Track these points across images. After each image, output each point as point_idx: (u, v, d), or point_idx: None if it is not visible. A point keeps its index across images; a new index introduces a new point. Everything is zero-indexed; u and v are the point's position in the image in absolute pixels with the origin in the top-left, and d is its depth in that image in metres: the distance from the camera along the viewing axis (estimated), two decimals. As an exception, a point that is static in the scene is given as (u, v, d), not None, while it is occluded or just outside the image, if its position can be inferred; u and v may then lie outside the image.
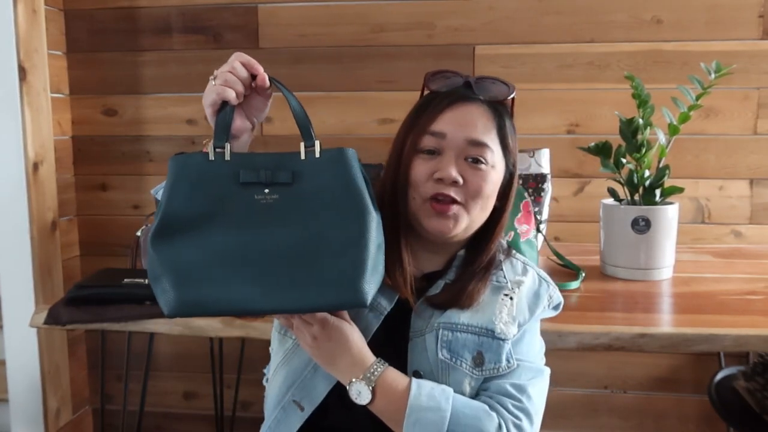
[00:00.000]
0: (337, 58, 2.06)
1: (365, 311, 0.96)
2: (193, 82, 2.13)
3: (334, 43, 2.06)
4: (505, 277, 1.02)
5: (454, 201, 0.95)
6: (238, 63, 0.88)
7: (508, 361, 0.96)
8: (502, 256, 1.05)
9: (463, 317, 0.96)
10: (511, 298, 1.00)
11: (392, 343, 0.97)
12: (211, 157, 0.86)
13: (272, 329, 1.07)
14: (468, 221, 0.97)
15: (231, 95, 0.87)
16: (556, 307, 1.06)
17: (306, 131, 0.89)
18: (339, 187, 0.86)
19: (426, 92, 1.04)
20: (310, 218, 0.84)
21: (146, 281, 1.40)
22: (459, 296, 0.97)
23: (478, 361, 0.95)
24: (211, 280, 0.80)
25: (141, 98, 2.17)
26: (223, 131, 0.88)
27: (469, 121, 0.97)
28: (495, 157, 0.98)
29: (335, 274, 0.82)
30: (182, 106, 2.15)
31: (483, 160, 0.97)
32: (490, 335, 0.96)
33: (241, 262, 0.81)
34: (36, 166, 1.98)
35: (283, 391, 0.99)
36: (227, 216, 0.83)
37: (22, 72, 1.92)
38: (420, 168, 0.96)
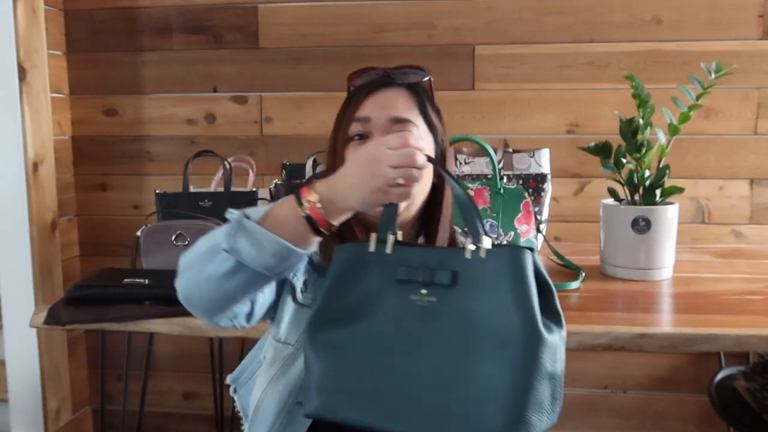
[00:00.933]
0: (337, 58, 2.06)
1: None
2: (193, 82, 2.13)
3: (334, 43, 2.06)
4: None
5: None
6: (421, 156, 0.82)
7: None
8: (463, 239, 1.08)
9: None
10: None
11: None
12: (371, 248, 0.82)
13: (267, 338, 1.06)
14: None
15: (414, 193, 0.84)
16: None
17: (473, 226, 0.79)
18: (506, 298, 0.74)
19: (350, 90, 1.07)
20: (467, 334, 0.74)
21: (146, 281, 1.41)
22: None
23: None
24: (351, 390, 0.77)
25: (141, 98, 2.17)
26: (390, 224, 0.83)
27: (390, 103, 1.00)
28: (420, 132, 1.01)
29: (487, 416, 0.71)
30: (182, 106, 2.15)
31: None
32: None
33: (385, 377, 0.76)
34: (36, 166, 1.98)
35: (284, 396, 0.99)
36: (381, 315, 0.79)
37: (22, 72, 1.92)
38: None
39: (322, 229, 0.84)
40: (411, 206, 0.99)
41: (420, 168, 0.82)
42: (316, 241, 0.86)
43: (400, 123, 1.00)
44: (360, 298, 0.80)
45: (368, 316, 0.79)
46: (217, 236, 0.86)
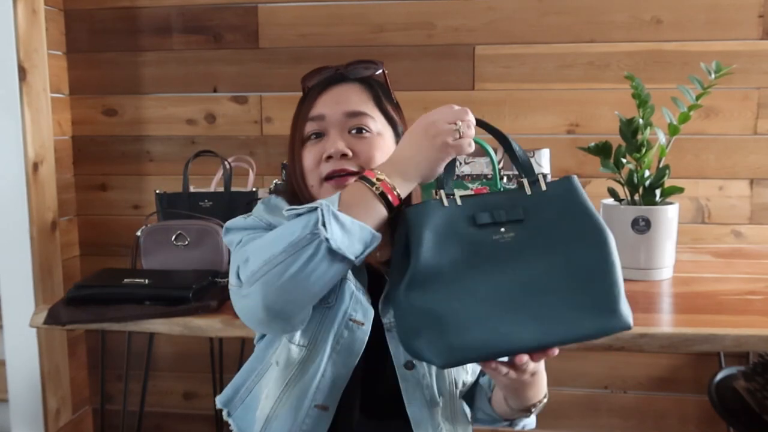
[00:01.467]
0: (337, 58, 2.04)
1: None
2: (193, 82, 2.13)
3: (334, 43, 2.06)
4: None
5: (350, 173, 0.97)
6: (469, 112, 0.90)
7: None
8: None
9: None
10: None
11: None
12: (445, 203, 0.88)
13: (281, 341, 1.03)
14: None
15: (470, 150, 0.90)
16: None
17: (529, 169, 0.91)
18: (572, 213, 0.87)
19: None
20: (552, 249, 0.85)
21: (146, 281, 1.41)
22: None
23: None
24: (473, 324, 0.82)
25: (141, 98, 2.17)
26: (452, 179, 0.90)
27: (344, 98, 1.01)
28: (378, 124, 1.01)
29: (593, 300, 0.83)
30: (182, 106, 2.15)
31: (366, 128, 1.00)
32: None
33: (499, 302, 0.82)
34: (36, 166, 1.98)
35: (302, 401, 0.98)
36: (473, 258, 0.85)
37: (22, 72, 1.92)
38: (309, 155, 1.00)
39: (394, 206, 0.87)
40: None
41: (472, 122, 0.89)
42: (383, 222, 0.88)
43: (355, 116, 1.00)
44: (451, 248, 0.85)
45: (463, 262, 0.85)
46: (292, 233, 0.84)
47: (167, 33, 2.12)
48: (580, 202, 0.88)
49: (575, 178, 0.90)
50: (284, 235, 0.85)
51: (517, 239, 0.86)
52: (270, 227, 0.95)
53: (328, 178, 0.98)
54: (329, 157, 0.98)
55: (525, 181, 0.90)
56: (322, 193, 0.99)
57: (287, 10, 2.07)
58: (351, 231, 0.84)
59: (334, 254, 0.83)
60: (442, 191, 0.89)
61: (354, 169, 0.97)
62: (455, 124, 0.87)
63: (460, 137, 0.87)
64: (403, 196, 0.88)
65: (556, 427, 2.12)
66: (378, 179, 0.87)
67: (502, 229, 0.86)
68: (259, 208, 1.02)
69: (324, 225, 0.82)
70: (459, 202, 0.88)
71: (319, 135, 1.00)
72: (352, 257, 0.84)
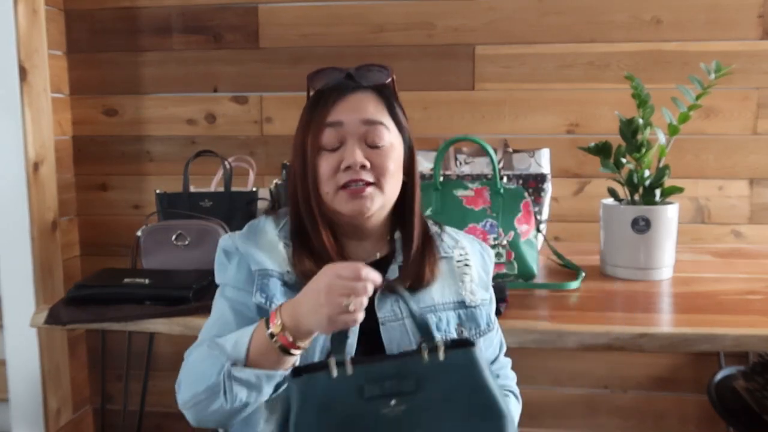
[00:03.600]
0: (337, 58, 2.06)
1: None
2: (193, 82, 2.13)
3: (334, 43, 2.06)
4: (449, 248, 1.09)
5: (367, 183, 1.00)
6: (370, 285, 0.85)
7: (488, 324, 1.05)
8: (437, 229, 1.11)
9: (436, 297, 1.02)
10: (467, 265, 1.06)
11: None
12: (334, 374, 0.83)
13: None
14: (383, 200, 1.02)
15: (360, 320, 0.86)
16: (492, 259, 1.15)
17: (427, 333, 0.87)
18: (467, 389, 0.84)
19: (311, 93, 1.09)
20: (443, 425, 0.82)
21: (146, 281, 1.41)
22: (420, 273, 1.02)
23: (460, 332, 1.02)
24: None
25: (141, 98, 2.17)
26: (343, 346, 0.86)
27: (361, 106, 1.03)
28: (391, 134, 1.04)
29: None
30: (182, 106, 2.15)
31: (382, 141, 1.02)
32: (463, 307, 1.03)
33: None
34: (36, 166, 1.98)
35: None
36: None
37: (23, 72, 1.92)
38: (326, 163, 1.01)
39: (295, 352, 0.89)
40: (384, 206, 1.03)
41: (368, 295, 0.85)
42: (296, 358, 0.91)
43: (373, 125, 1.02)
44: (329, 427, 0.81)
45: None
46: (210, 376, 0.91)
47: (167, 33, 2.13)
48: (478, 376, 0.84)
49: (476, 350, 0.86)
50: (205, 374, 0.92)
51: (408, 413, 0.81)
52: (229, 261, 1.08)
53: (345, 186, 1.00)
54: (348, 167, 1.00)
55: (423, 346, 0.85)
56: (336, 201, 1.01)
57: (287, 10, 2.07)
58: (257, 385, 0.88)
59: (246, 403, 0.89)
60: (332, 358, 0.84)
61: (370, 179, 1.00)
62: (348, 297, 0.82)
63: (348, 313, 0.83)
64: (303, 345, 0.89)
65: (556, 427, 2.12)
66: (276, 333, 0.88)
67: (392, 402, 0.81)
68: (243, 231, 1.08)
69: (225, 394, 0.88)
70: (350, 371, 0.83)
71: (336, 145, 1.02)
72: (265, 398, 0.90)
